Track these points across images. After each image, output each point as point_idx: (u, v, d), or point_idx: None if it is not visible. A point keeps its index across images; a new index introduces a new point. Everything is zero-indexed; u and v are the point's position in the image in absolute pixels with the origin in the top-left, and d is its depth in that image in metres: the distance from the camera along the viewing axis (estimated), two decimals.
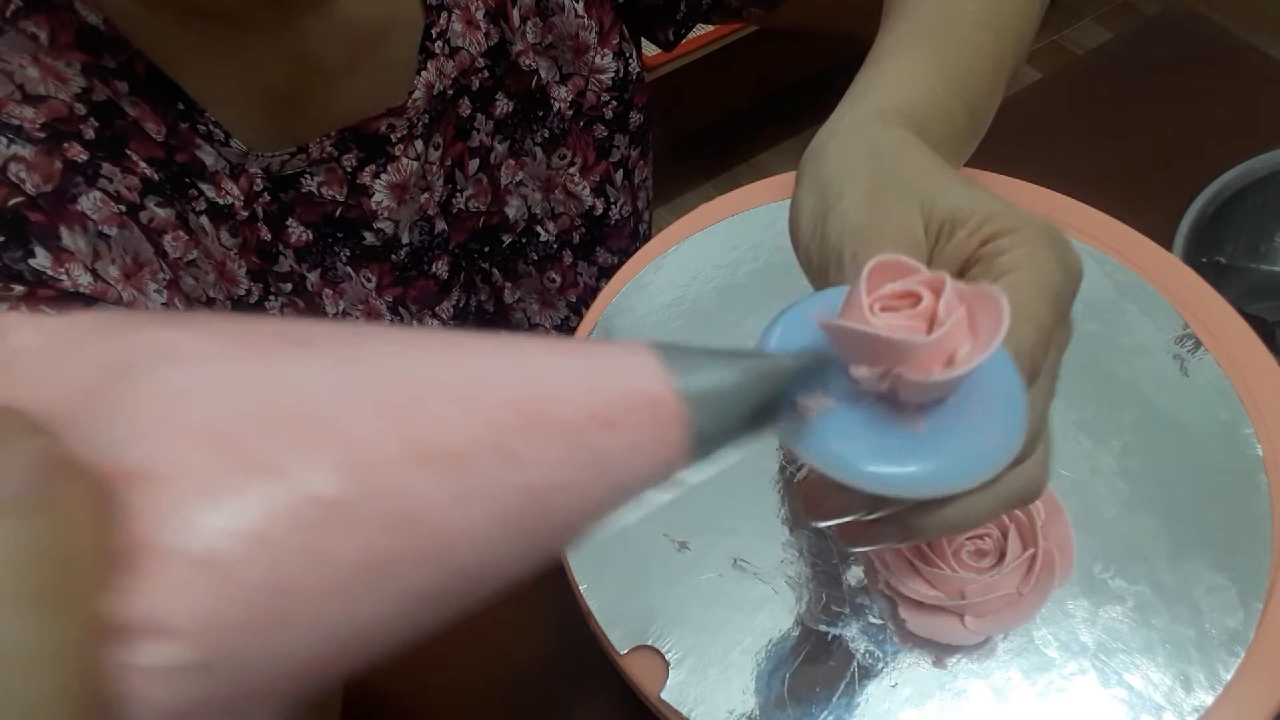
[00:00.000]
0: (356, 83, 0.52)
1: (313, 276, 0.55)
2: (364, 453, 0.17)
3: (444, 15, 0.53)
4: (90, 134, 0.45)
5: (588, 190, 0.64)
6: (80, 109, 0.44)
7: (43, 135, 0.43)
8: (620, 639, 0.40)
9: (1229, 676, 0.37)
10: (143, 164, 0.46)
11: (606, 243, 0.68)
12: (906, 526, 0.29)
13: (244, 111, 0.49)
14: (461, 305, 0.63)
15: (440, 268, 0.60)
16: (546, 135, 0.61)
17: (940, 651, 0.39)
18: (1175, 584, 0.40)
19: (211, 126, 0.48)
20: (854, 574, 0.41)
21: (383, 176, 0.54)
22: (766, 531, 0.42)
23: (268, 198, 0.51)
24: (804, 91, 1.80)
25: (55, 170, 0.44)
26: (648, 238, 0.73)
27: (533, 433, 0.19)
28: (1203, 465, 0.42)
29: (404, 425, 0.17)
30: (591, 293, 0.69)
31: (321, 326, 0.19)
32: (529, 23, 0.57)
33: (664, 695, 0.39)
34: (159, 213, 0.47)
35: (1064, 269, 0.30)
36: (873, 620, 0.40)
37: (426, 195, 0.57)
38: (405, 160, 0.54)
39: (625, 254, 0.69)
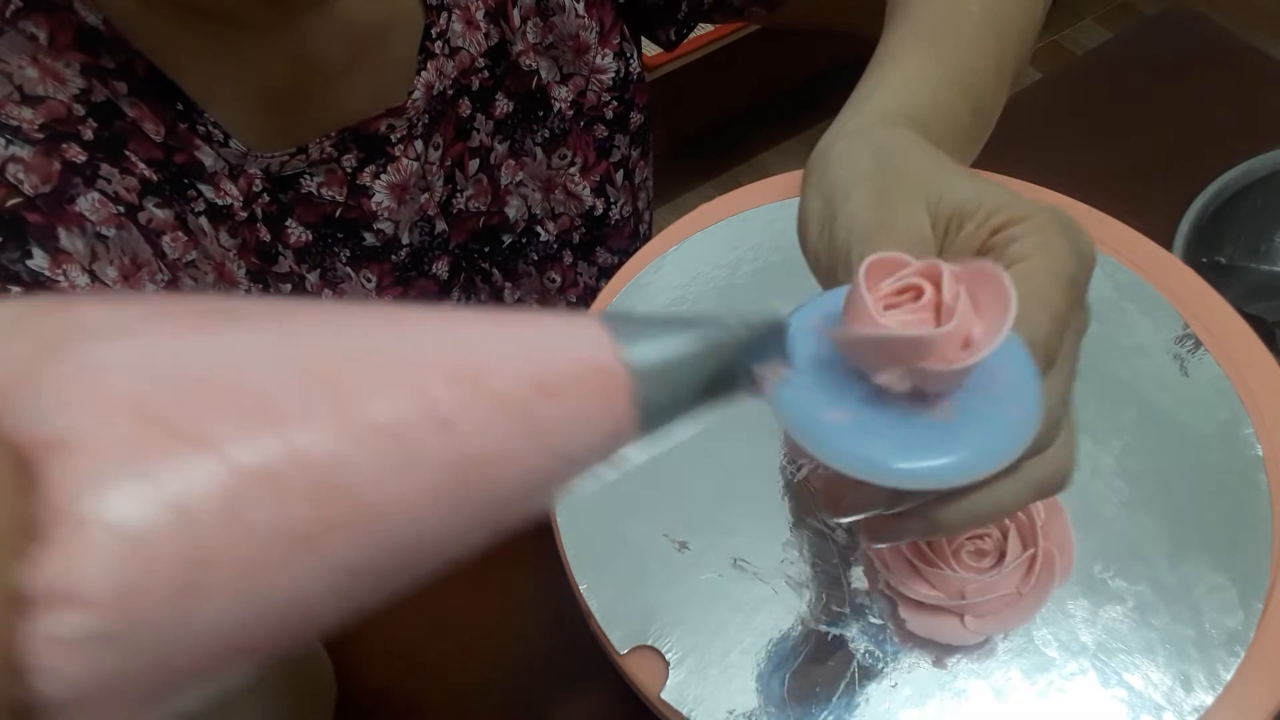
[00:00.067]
0: (356, 83, 0.52)
1: (312, 277, 0.55)
2: (291, 422, 0.16)
3: (444, 15, 0.53)
4: (89, 135, 0.45)
5: (588, 190, 0.64)
6: (79, 110, 0.44)
7: (41, 136, 0.43)
8: (620, 639, 0.40)
9: (1229, 676, 0.37)
10: (141, 165, 0.46)
11: (607, 243, 0.68)
12: (931, 519, 0.29)
13: (243, 112, 0.49)
14: (462, 306, 0.63)
15: (440, 268, 0.60)
16: (547, 135, 0.61)
17: (940, 651, 0.39)
18: (1175, 584, 0.40)
19: (211, 127, 0.48)
20: (854, 574, 0.41)
21: (383, 177, 0.54)
22: (766, 531, 0.42)
23: (267, 198, 0.51)
24: (804, 91, 1.80)
25: (53, 171, 0.43)
26: (648, 238, 0.73)
27: (469, 401, 0.18)
28: (1203, 465, 0.42)
29: (333, 394, 0.17)
30: (591, 293, 0.69)
31: (258, 302, 0.19)
32: (529, 23, 0.57)
33: (664, 695, 0.39)
34: (157, 213, 0.47)
35: (1076, 254, 0.30)
36: (873, 620, 0.40)
37: (426, 195, 0.57)
38: (405, 160, 0.54)
39: (625, 254, 0.69)
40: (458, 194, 0.59)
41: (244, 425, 0.16)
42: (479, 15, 0.54)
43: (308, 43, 0.49)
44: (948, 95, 0.41)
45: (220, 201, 0.49)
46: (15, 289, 0.42)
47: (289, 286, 0.54)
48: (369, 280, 0.57)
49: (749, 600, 0.41)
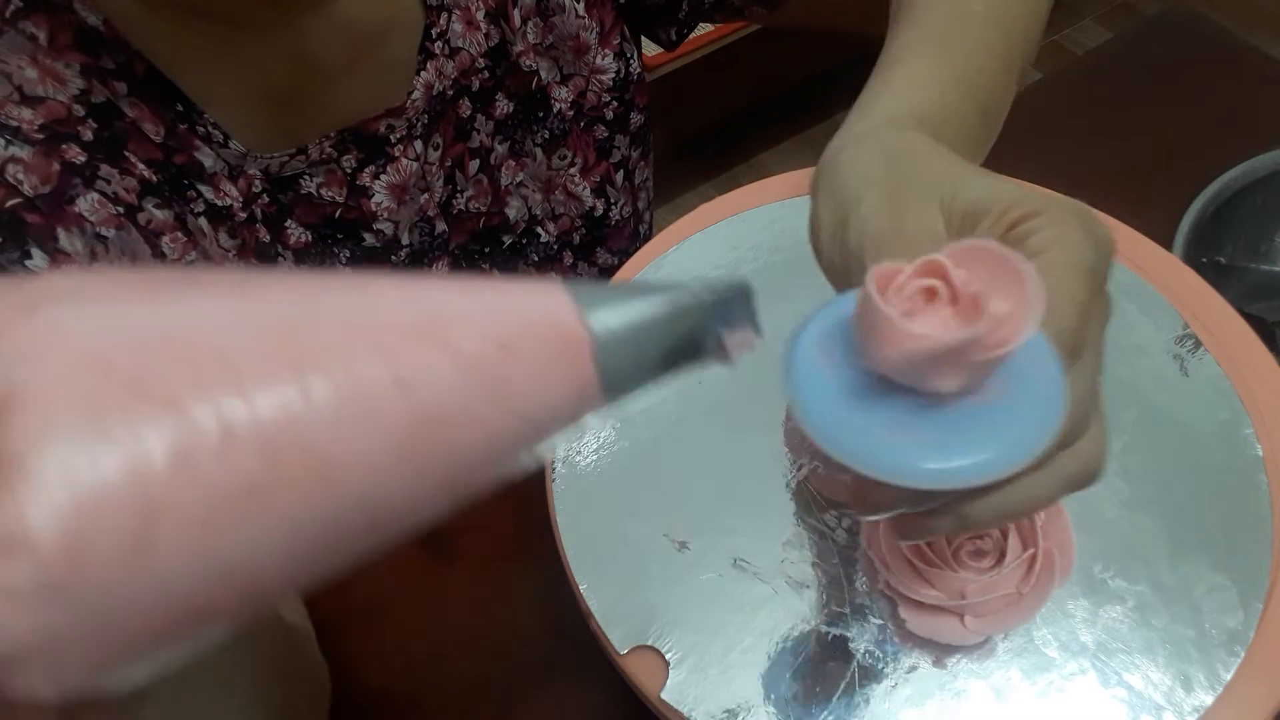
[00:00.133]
0: (356, 83, 0.52)
1: None
2: (247, 380, 0.17)
3: (444, 15, 0.53)
4: (88, 135, 0.45)
5: (588, 191, 0.64)
6: (79, 110, 0.44)
7: (41, 136, 0.43)
8: (620, 639, 0.40)
9: (1229, 676, 0.37)
10: (141, 165, 0.46)
11: (607, 243, 0.68)
12: (961, 515, 0.29)
13: (243, 112, 0.49)
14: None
15: (440, 269, 0.60)
16: (547, 136, 0.61)
17: (940, 651, 0.39)
18: (1175, 584, 0.40)
19: (210, 128, 0.48)
20: (854, 574, 0.41)
21: (382, 177, 0.54)
22: (766, 531, 0.42)
23: (266, 199, 0.51)
24: (804, 91, 1.80)
25: (53, 172, 0.43)
26: (648, 238, 0.73)
27: (427, 359, 0.18)
28: (1203, 465, 0.42)
29: (290, 353, 0.17)
30: None
31: (220, 271, 0.19)
32: (529, 23, 0.57)
33: (664, 695, 0.39)
34: (157, 214, 0.47)
35: (1095, 244, 0.30)
36: (873, 620, 0.40)
37: (426, 196, 0.57)
38: (405, 161, 0.54)
39: (625, 255, 0.69)
40: (458, 195, 0.59)
41: (200, 382, 0.16)
42: (479, 15, 0.54)
43: (307, 43, 0.49)
44: (955, 96, 0.41)
45: (220, 202, 0.49)
46: None
47: None
48: None
49: (749, 600, 0.41)
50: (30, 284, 0.17)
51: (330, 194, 0.53)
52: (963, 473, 0.26)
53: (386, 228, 0.56)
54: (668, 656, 0.39)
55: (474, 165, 0.59)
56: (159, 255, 0.48)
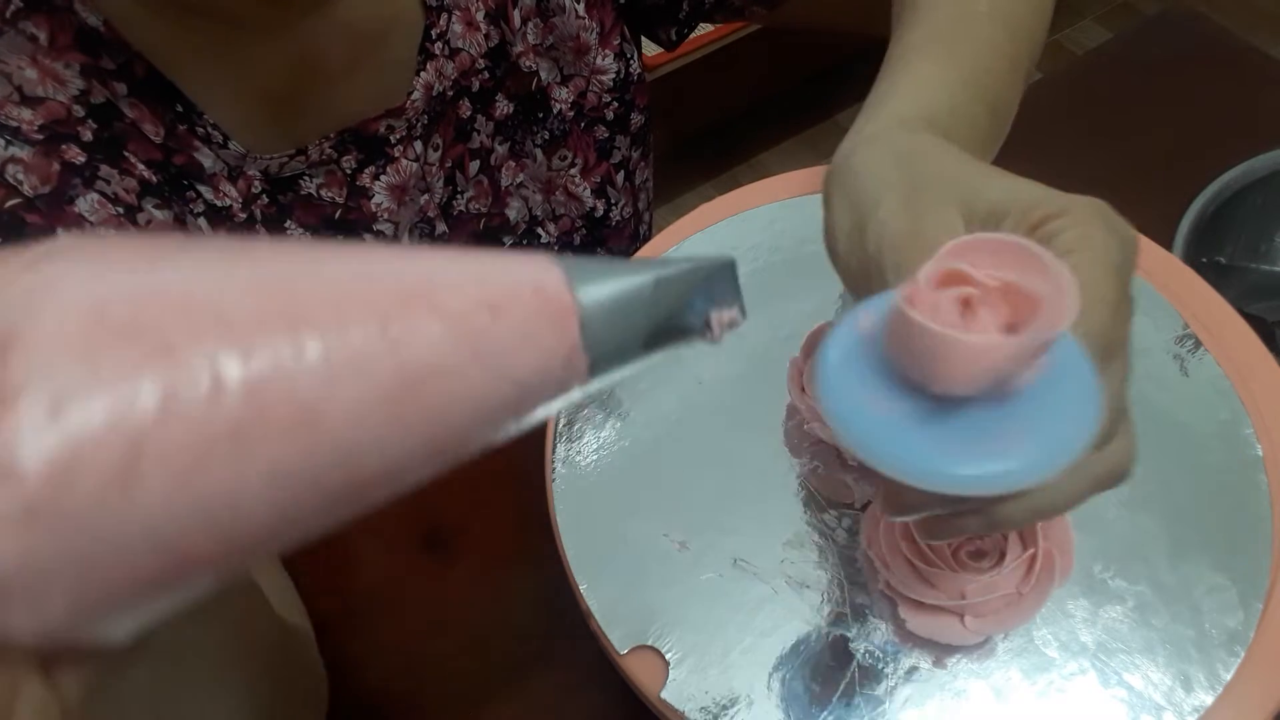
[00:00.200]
0: (356, 84, 0.52)
1: None
2: (237, 327, 0.17)
3: (444, 16, 0.53)
4: (88, 136, 0.45)
5: (588, 191, 0.64)
6: (78, 111, 0.44)
7: (40, 137, 0.43)
8: (620, 639, 0.40)
9: (1229, 676, 0.37)
10: (141, 166, 0.46)
11: (607, 244, 0.68)
12: (991, 516, 0.29)
13: (243, 113, 0.49)
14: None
15: None
16: (547, 137, 0.61)
17: (940, 651, 0.39)
18: (1175, 584, 0.40)
19: (210, 128, 0.48)
20: (854, 574, 0.41)
21: (382, 178, 0.54)
22: (766, 531, 0.42)
23: (266, 200, 0.51)
24: (804, 91, 1.80)
25: (53, 172, 0.44)
26: (648, 238, 0.73)
27: (416, 315, 0.18)
28: (1203, 465, 0.42)
29: (281, 306, 0.18)
30: None
31: (220, 238, 0.20)
32: (530, 24, 0.57)
33: (664, 695, 0.39)
34: (156, 215, 0.47)
35: (1121, 243, 0.29)
36: (873, 620, 0.40)
37: (426, 197, 0.57)
38: (404, 162, 0.54)
39: (626, 255, 0.69)
40: (458, 196, 0.59)
41: (192, 330, 0.17)
42: (479, 16, 0.54)
43: (307, 43, 0.49)
44: (964, 97, 0.40)
45: (219, 203, 0.49)
46: None
47: None
48: None
49: (749, 600, 0.41)
50: (36, 246, 0.18)
51: (330, 195, 0.53)
52: (1001, 478, 0.25)
53: (386, 229, 0.56)
54: (668, 656, 0.39)
55: (474, 166, 0.59)
56: None
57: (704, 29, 1.56)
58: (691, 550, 0.42)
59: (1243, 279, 0.68)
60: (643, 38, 0.66)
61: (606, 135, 0.63)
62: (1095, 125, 0.74)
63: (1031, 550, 0.38)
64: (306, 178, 0.52)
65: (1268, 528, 0.40)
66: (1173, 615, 0.39)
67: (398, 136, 0.53)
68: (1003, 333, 0.25)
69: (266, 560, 0.18)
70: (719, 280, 0.23)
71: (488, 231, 0.62)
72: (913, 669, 0.39)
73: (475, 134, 0.58)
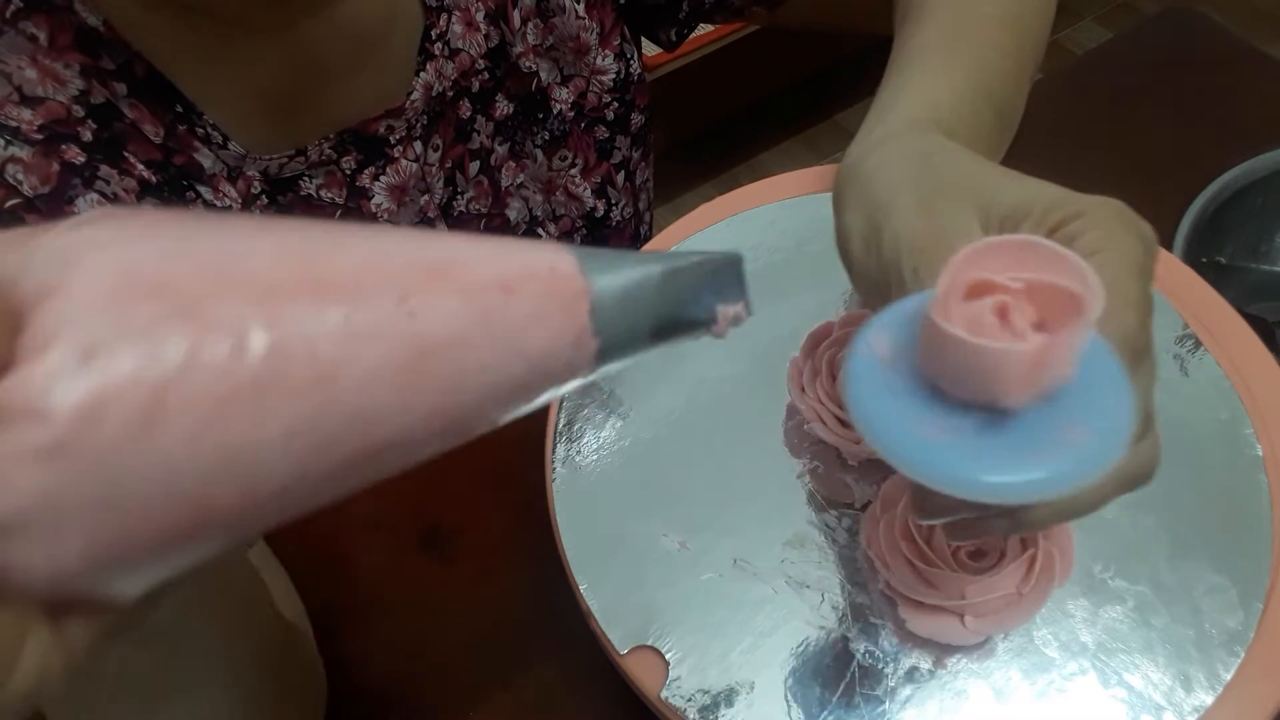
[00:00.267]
0: (356, 84, 0.51)
1: None
2: (261, 288, 0.18)
3: (444, 17, 0.53)
4: (88, 136, 0.45)
5: (589, 192, 0.64)
6: (78, 111, 0.44)
7: (40, 137, 0.43)
8: (620, 639, 0.40)
9: (1229, 676, 0.37)
10: (140, 166, 0.46)
11: (607, 244, 0.68)
12: (1018, 519, 0.29)
13: (242, 113, 0.49)
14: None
15: None
16: (547, 137, 0.61)
17: (940, 651, 0.39)
18: (1175, 584, 0.40)
19: (210, 129, 0.48)
20: (854, 574, 0.41)
21: (382, 179, 0.54)
22: (766, 531, 0.42)
23: (266, 200, 0.51)
24: (804, 91, 1.80)
25: (53, 172, 0.44)
26: (648, 239, 0.73)
27: (431, 286, 0.19)
28: (1203, 465, 0.42)
29: (305, 272, 0.19)
30: None
31: (248, 215, 0.21)
32: (530, 24, 0.56)
33: (664, 695, 0.39)
34: None
35: (1142, 242, 0.29)
36: (873, 620, 0.40)
37: (426, 197, 0.57)
38: (404, 162, 0.54)
39: None
40: (458, 196, 0.59)
41: (219, 289, 0.18)
42: (479, 17, 0.54)
43: (307, 44, 0.49)
44: (972, 99, 0.40)
45: (219, 203, 0.49)
46: None
47: None
48: None
49: (749, 600, 0.41)
50: (78, 215, 0.19)
51: (330, 195, 0.53)
52: (1039, 486, 0.24)
53: None
54: (668, 656, 0.39)
55: (474, 167, 0.59)
56: None
57: (704, 29, 1.56)
58: (691, 550, 0.42)
59: (1243, 279, 0.68)
60: (643, 38, 0.66)
61: (607, 135, 0.63)
62: (1095, 125, 0.74)
63: (1031, 550, 0.38)
64: (306, 178, 0.52)
65: (1268, 528, 0.40)
66: (1173, 615, 0.39)
67: (397, 137, 0.53)
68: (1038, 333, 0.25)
69: (277, 521, 0.19)
70: (727, 275, 0.23)
71: (488, 232, 0.62)
72: (913, 669, 0.39)
73: (475, 134, 0.58)
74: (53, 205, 0.43)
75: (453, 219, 0.59)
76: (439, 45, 0.53)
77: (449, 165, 0.57)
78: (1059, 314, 0.25)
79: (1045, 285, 0.25)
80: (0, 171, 0.42)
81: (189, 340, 0.17)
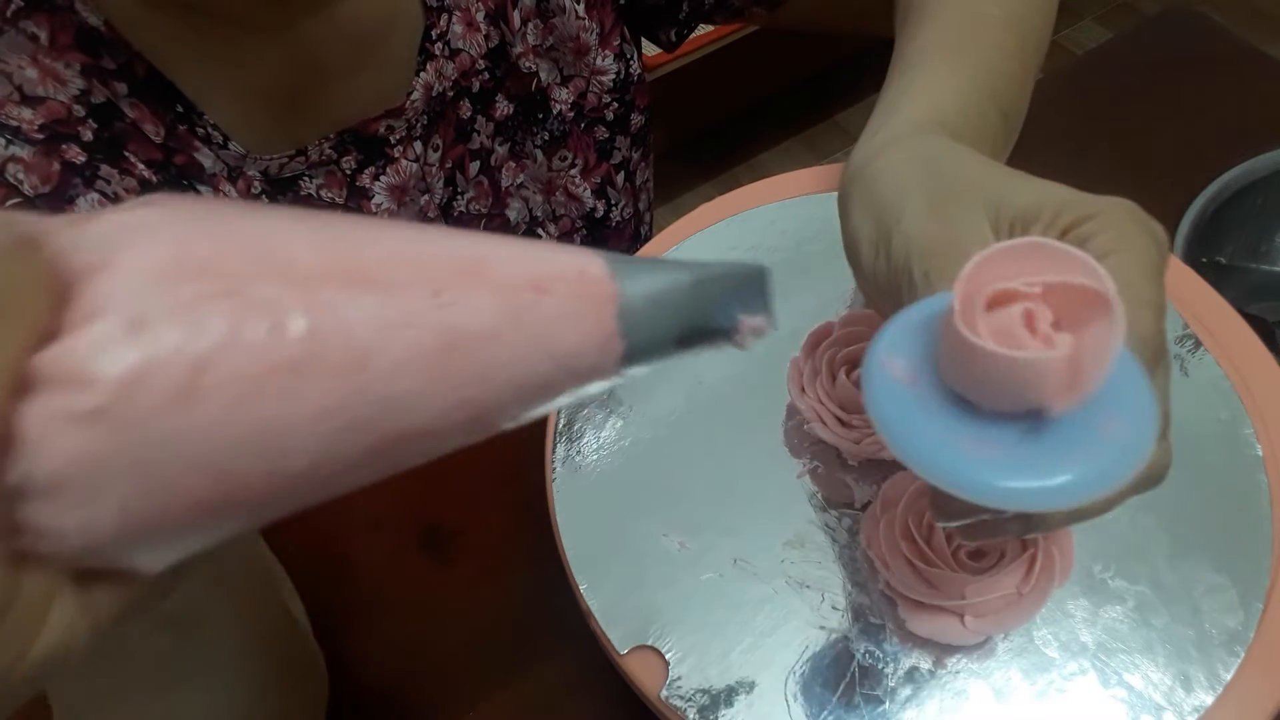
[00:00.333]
0: (356, 84, 0.51)
1: None
2: (302, 274, 0.19)
3: (444, 17, 0.53)
4: (89, 135, 0.45)
5: (589, 192, 0.64)
6: (79, 110, 0.44)
7: (41, 136, 0.43)
8: (620, 639, 0.40)
9: (1229, 676, 0.37)
10: (141, 166, 0.46)
11: (608, 244, 0.68)
12: (1033, 521, 0.29)
13: (243, 113, 0.49)
14: None
15: None
16: (547, 137, 0.61)
17: (940, 651, 0.39)
18: (1175, 584, 0.40)
19: (210, 129, 0.48)
20: (854, 574, 0.41)
21: (382, 179, 0.54)
22: (766, 531, 0.42)
23: (266, 200, 0.51)
24: (804, 91, 1.80)
25: (53, 172, 0.44)
26: (648, 239, 0.73)
27: (464, 281, 0.20)
28: (1203, 465, 0.42)
29: (344, 260, 0.19)
30: None
31: (292, 207, 0.21)
32: (530, 24, 0.56)
33: (664, 695, 0.39)
34: None
35: (1155, 242, 0.29)
36: (873, 620, 0.40)
37: (426, 198, 0.57)
38: (404, 162, 0.54)
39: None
40: (458, 196, 0.59)
41: (263, 271, 0.18)
42: (479, 17, 0.54)
43: (308, 44, 0.49)
44: (976, 100, 0.40)
45: None
46: None
47: None
48: None
49: (749, 600, 0.41)
50: (129, 200, 0.20)
51: (330, 195, 0.53)
52: (1064, 493, 0.24)
53: None
54: (668, 656, 0.39)
55: (474, 167, 0.59)
56: None
57: (704, 29, 1.56)
58: (691, 550, 0.42)
59: (1243, 279, 0.68)
60: (643, 38, 0.66)
61: (606, 136, 0.63)
62: (1095, 125, 0.74)
63: (1031, 550, 0.38)
64: (306, 178, 0.52)
65: (1268, 528, 0.40)
66: (1173, 615, 0.39)
67: (397, 137, 0.53)
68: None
69: (300, 503, 0.20)
70: (752, 287, 0.24)
71: (488, 232, 0.62)
72: (913, 669, 0.39)
73: (475, 134, 0.58)
74: (53, 205, 0.43)
75: (453, 219, 0.59)
76: (439, 45, 0.53)
77: (449, 165, 0.57)
78: (1075, 314, 0.24)
79: (1061, 286, 0.24)
80: (1, 171, 0.42)
81: (231, 319, 0.18)
